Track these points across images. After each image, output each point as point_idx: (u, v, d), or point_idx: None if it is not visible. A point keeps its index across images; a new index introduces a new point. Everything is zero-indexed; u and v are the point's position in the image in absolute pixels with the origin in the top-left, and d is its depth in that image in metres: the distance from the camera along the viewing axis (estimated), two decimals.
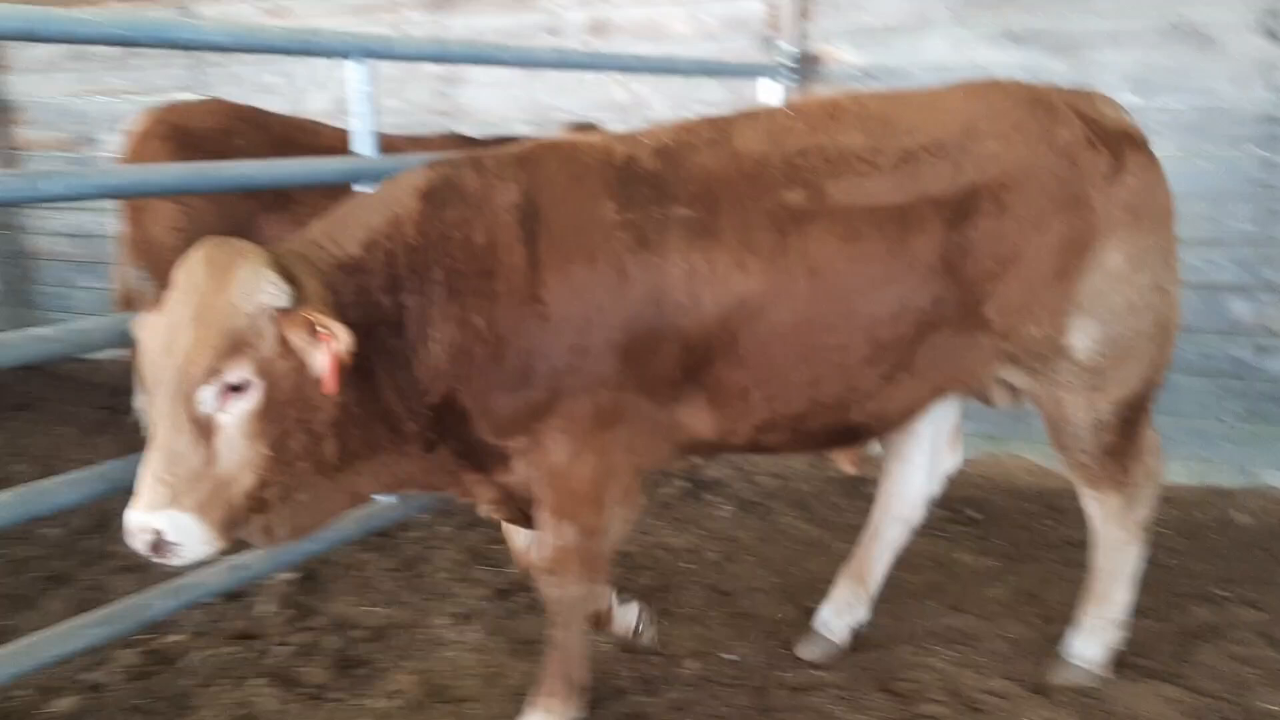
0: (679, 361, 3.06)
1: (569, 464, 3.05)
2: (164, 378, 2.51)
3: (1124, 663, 3.84)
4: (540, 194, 2.98)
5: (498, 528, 5.08)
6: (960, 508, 5.46)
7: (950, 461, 3.93)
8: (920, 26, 5.84)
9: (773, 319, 3.05)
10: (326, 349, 2.56)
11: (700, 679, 3.77)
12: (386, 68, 7.09)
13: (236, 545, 2.85)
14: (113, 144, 6.08)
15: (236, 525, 2.64)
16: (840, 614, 3.92)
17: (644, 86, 6.61)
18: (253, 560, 3.61)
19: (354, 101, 3.63)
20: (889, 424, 3.45)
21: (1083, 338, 3.31)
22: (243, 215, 5.56)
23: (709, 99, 6.37)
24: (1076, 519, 5.16)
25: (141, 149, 5.74)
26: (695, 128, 3.22)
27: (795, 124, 3.21)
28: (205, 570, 3.45)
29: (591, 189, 3.01)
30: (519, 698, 3.63)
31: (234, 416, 2.55)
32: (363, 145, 3.63)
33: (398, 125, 6.84)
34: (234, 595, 4.30)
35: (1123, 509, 3.61)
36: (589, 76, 6.65)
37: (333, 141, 5.59)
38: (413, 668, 3.84)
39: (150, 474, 2.50)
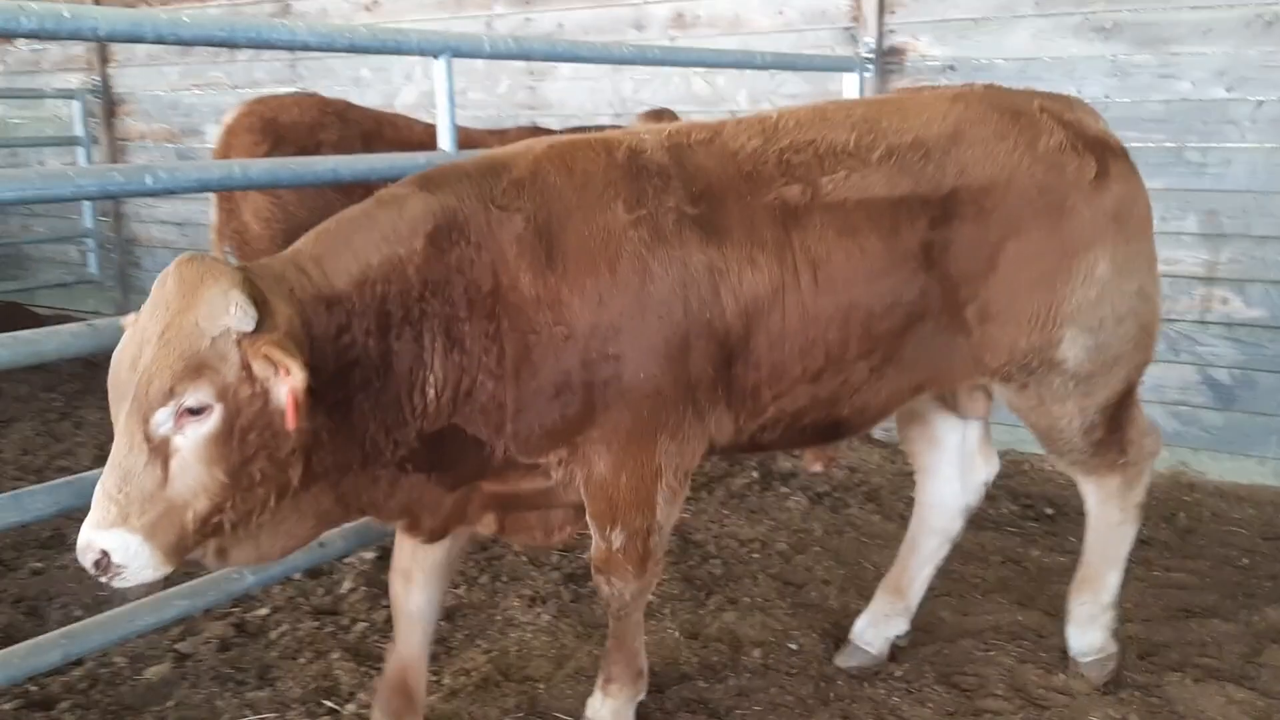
0: (711, 360, 3.00)
1: (611, 474, 2.99)
2: (125, 393, 2.39)
3: (1191, 662, 3.83)
4: (546, 214, 2.88)
5: None
6: (1035, 504, 5.44)
7: (985, 471, 3.86)
8: (1004, 19, 5.80)
9: (782, 314, 3.04)
10: (285, 383, 2.42)
11: (763, 667, 3.84)
12: (475, 63, 7.27)
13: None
14: (214, 135, 6.31)
15: (187, 549, 2.48)
16: (877, 626, 3.90)
17: (726, 80, 6.66)
18: (336, 538, 3.75)
19: (438, 98, 3.75)
20: (869, 420, 3.44)
21: (1074, 348, 3.29)
22: (329, 207, 5.75)
23: (790, 92, 6.41)
24: (1154, 518, 5.17)
25: (232, 141, 5.94)
26: (686, 128, 3.19)
27: (784, 122, 3.20)
28: None
29: (597, 195, 2.92)
30: (586, 679, 3.74)
31: (190, 440, 2.39)
32: (444, 140, 3.75)
33: (486, 119, 7.02)
34: (317, 572, 4.47)
35: (1122, 489, 3.61)
36: (672, 70, 6.71)
37: (419, 135, 5.76)
38: (484, 647, 3.97)
39: (103, 490, 2.38)
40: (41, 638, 3.02)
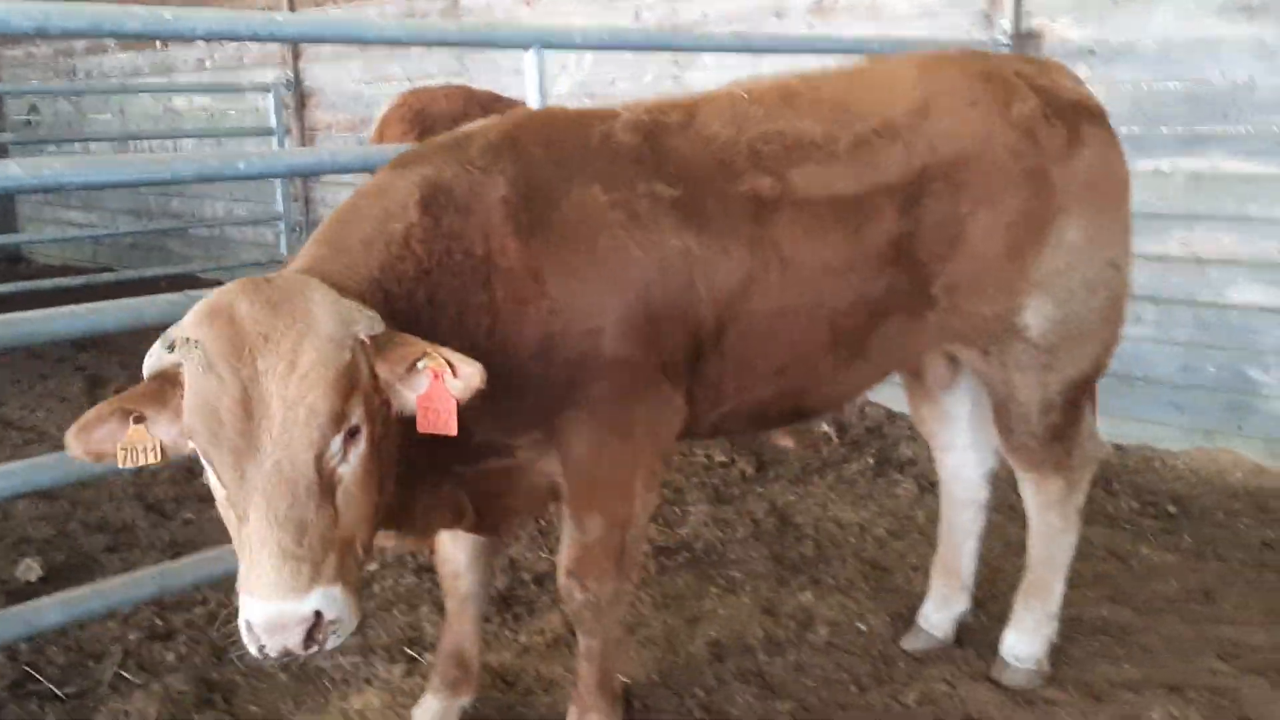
0: (681, 346, 2.94)
1: (593, 452, 2.90)
2: (250, 444, 2.17)
3: (1269, 664, 3.68)
4: (527, 182, 2.80)
5: (676, 491, 5.39)
6: (1158, 501, 5.27)
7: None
8: None
9: (751, 308, 2.99)
10: (435, 385, 2.33)
11: (827, 645, 3.91)
12: (624, 54, 7.48)
13: None
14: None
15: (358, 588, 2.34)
16: (939, 608, 3.91)
17: None
18: None
19: (528, 88, 3.96)
20: (836, 406, 3.46)
21: (1037, 317, 3.24)
22: None
23: None
24: None
25: (386, 130, 6.34)
26: (665, 107, 3.09)
27: (754, 109, 3.09)
28: None
29: (576, 171, 2.86)
30: (653, 645, 3.91)
31: (351, 466, 2.27)
32: None
33: None
34: None
35: (1063, 495, 3.53)
36: (811, 56, 6.73)
37: None
38: (563, 611, 4.17)
39: (275, 554, 2.13)
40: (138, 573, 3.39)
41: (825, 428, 6.47)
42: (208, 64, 11.32)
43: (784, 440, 5.89)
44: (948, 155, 3.11)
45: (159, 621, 4.09)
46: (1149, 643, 3.88)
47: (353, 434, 2.26)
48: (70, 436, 2.30)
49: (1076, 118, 3.29)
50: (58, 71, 13.54)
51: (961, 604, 3.91)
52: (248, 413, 2.16)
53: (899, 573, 4.51)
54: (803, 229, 3.00)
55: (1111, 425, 5.96)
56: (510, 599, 4.30)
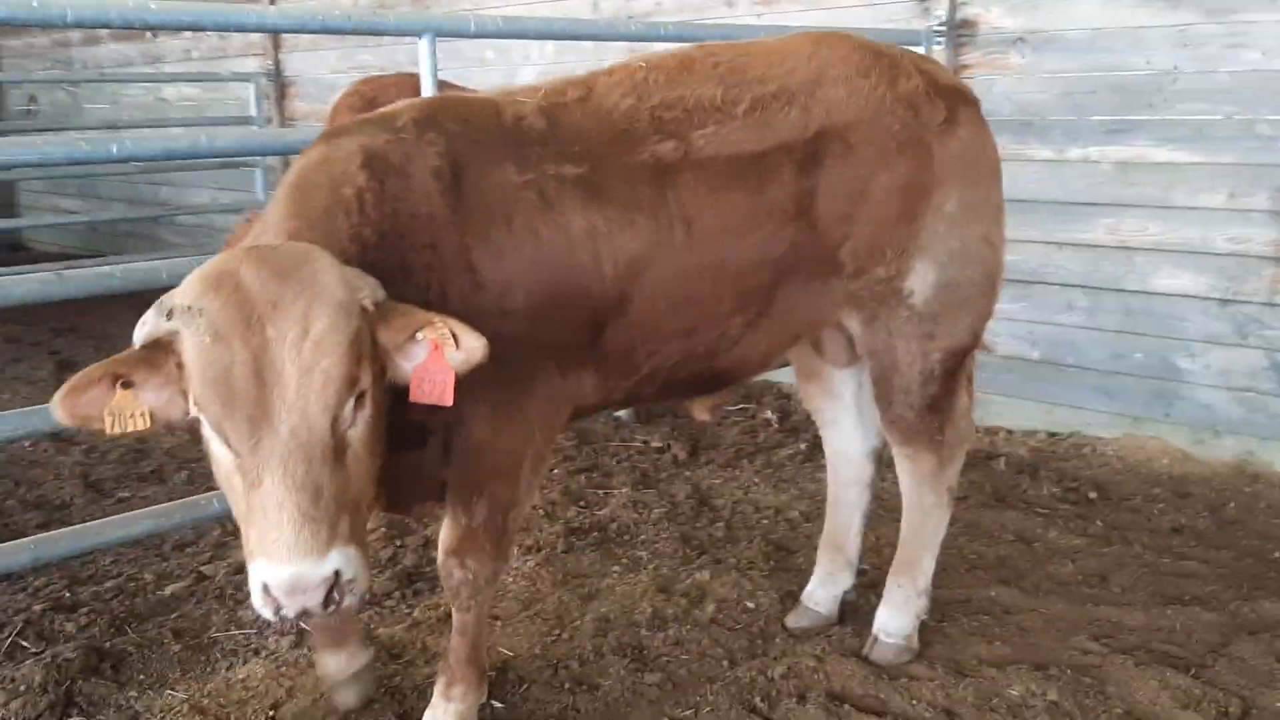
0: (585, 325, 3.01)
1: (489, 436, 2.93)
2: (264, 411, 2.24)
3: (1146, 647, 3.74)
4: (454, 157, 2.84)
5: (605, 475, 5.46)
6: (1080, 487, 5.31)
7: None
8: None
9: (656, 274, 3.05)
10: (441, 356, 2.41)
11: (710, 621, 3.98)
12: (584, 43, 7.55)
13: None
14: None
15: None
16: (824, 585, 3.98)
17: None
18: None
19: (422, 75, 4.05)
20: (749, 370, 3.53)
21: (921, 282, 3.38)
22: None
23: None
24: (1199, 506, 5.00)
25: (337, 117, 6.45)
26: (561, 87, 3.14)
27: (654, 76, 3.16)
28: None
29: (492, 151, 2.90)
30: (543, 620, 4.00)
31: (359, 429, 2.36)
32: None
33: None
34: None
35: (936, 471, 3.65)
36: None
37: None
38: None
39: (294, 517, 2.20)
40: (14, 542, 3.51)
41: (768, 414, 6.55)
42: (194, 54, 11.47)
43: (701, 413, 5.95)
44: (842, 120, 3.25)
45: (66, 594, 4.21)
46: (1028, 623, 3.94)
47: (360, 399, 2.34)
48: (57, 400, 2.32)
49: (954, 99, 3.46)
50: (55, 62, 13.74)
51: (845, 581, 3.99)
52: (260, 380, 2.23)
53: (802, 554, 4.57)
54: (706, 188, 3.10)
55: (1045, 413, 6.05)
56: (415, 575, 4.40)
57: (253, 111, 10.24)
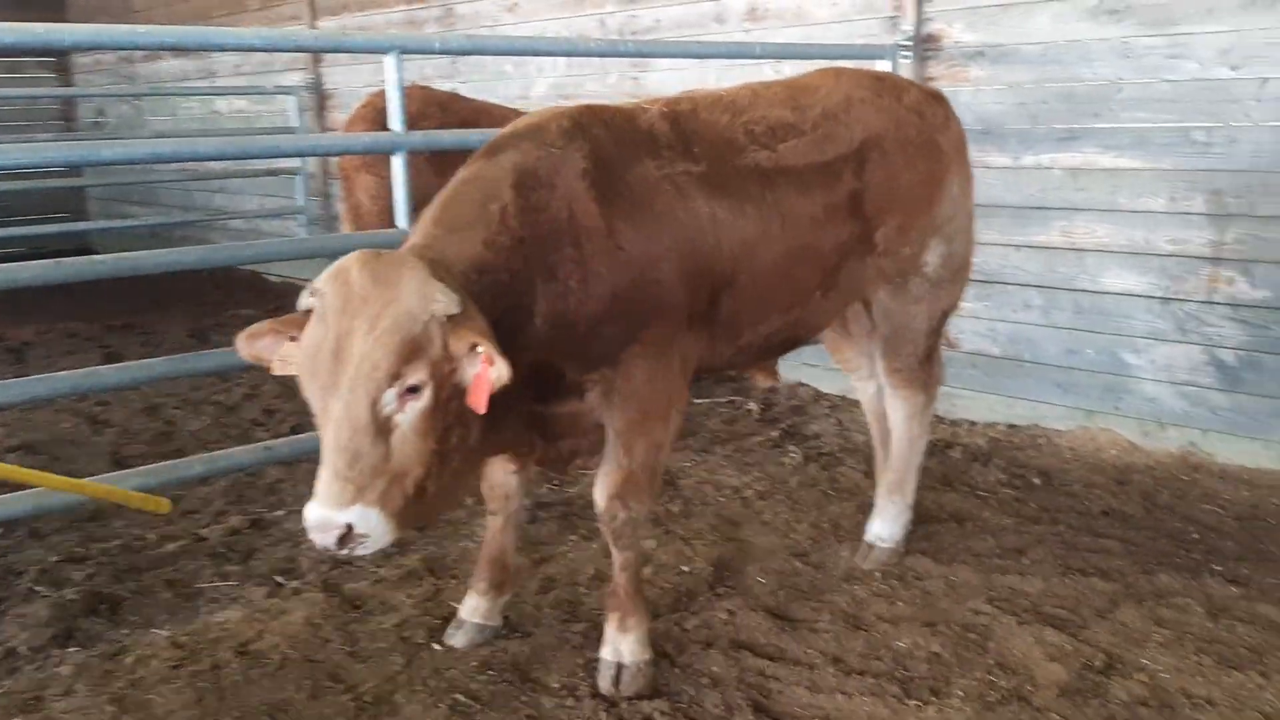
0: (708, 293, 3.61)
1: (646, 384, 3.46)
2: (333, 383, 2.69)
3: (1035, 610, 4.06)
4: (599, 157, 3.37)
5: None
6: (1025, 474, 5.61)
7: None
8: (1028, 4, 5.94)
9: (761, 256, 3.73)
10: (483, 370, 2.77)
11: (645, 582, 4.31)
12: (590, 59, 8.00)
13: None
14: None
15: (408, 514, 2.84)
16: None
17: (790, 69, 7.06)
18: None
19: (388, 90, 4.51)
20: (815, 332, 4.29)
21: (934, 255, 4.25)
22: (428, 184, 6.69)
23: None
24: (1134, 493, 5.29)
25: (352, 128, 7.00)
26: (673, 102, 3.81)
27: (738, 99, 3.91)
28: None
29: (634, 150, 3.49)
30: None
31: (409, 416, 2.75)
32: (394, 124, 4.52)
33: None
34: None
35: (924, 407, 4.52)
36: (746, 61, 7.19)
37: (510, 120, 6.61)
38: (423, 555, 4.71)
39: (332, 472, 2.68)
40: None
41: (750, 405, 6.93)
42: (244, 68, 12.12)
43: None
44: (875, 132, 4.06)
45: (78, 549, 4.75)
46: (932, 588, 4.27)
47: (413, 390, 2.74)
48: (239, 341, 2.93)
49: (940, 101, 4.42)
50: (120, 76, 14.55)
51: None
52: (337, 358, 2.70)
53: (747, 528, 4.95)
54: (794, 189, 3.84)
55: (1006, 406, 6.37)
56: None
57: (294, 122, 10.88)
